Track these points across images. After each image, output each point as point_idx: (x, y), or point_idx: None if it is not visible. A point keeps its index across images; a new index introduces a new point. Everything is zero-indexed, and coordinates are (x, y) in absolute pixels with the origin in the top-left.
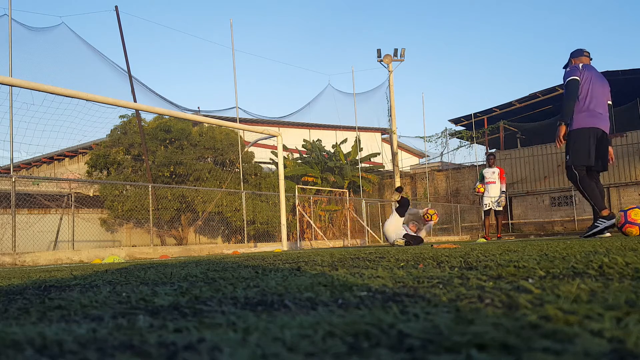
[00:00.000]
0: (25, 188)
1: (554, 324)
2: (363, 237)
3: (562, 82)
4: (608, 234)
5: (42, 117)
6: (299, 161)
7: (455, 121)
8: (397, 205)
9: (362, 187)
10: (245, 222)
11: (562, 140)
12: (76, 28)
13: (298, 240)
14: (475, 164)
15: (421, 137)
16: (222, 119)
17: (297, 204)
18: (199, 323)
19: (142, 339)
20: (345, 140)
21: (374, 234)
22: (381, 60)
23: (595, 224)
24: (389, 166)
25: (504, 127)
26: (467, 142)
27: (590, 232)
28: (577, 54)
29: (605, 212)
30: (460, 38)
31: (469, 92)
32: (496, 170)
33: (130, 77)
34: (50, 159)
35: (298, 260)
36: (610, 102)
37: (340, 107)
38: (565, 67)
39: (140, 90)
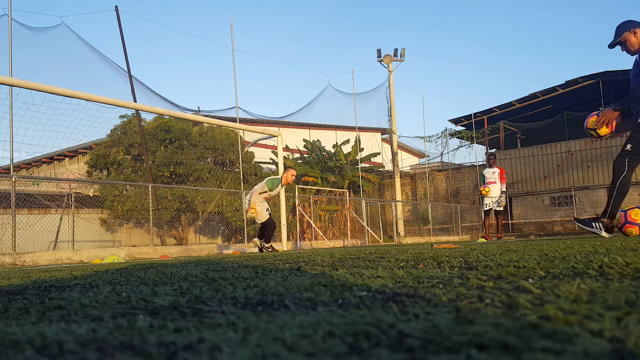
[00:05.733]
0: (25, 188)
1: (554, 324)
2: (363, 237)
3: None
4: (605, 235)
5: (42, 117)
6: (299, 161)
7: (455, 121)
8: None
9: (362, 187)
10: (245, 222)
11: (611, 126)
12: (76, 28)
13: (298, 240)
14: (475, 164)
15: (421, 137)
16: (222, 119)
17: (297, 204)
18: (199, 323)
19: (142, 339)
20: (347, 141)
21: (374, 234)
22: (381, 60)
23: (594, 224)
24: (389, 166)
25: (504, 127)
26: (467, 142)
27: (584, 227)
28: (633, 24)
29: (609, 222)
30: (460, 38)
31: (469, 92)
32: (496, 170)
33: (130, 77)
34: (50, 159)
35: (298, 260)
36: None
37: (340, 107)
38: (615, 46)
39: (140, 90)
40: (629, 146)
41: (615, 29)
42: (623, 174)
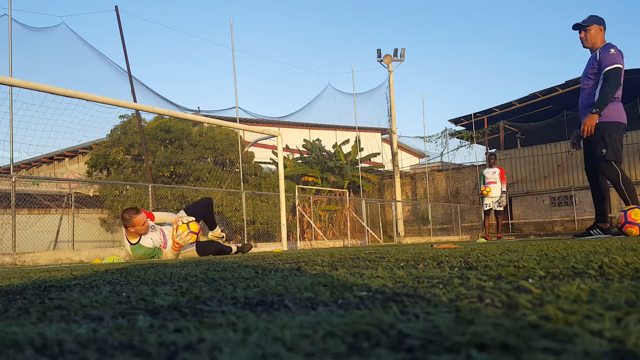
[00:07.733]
0: (25, 188)
1: (554, 324)
2: (363, 237)
3: (597, 61)
4: (604, 236)
5: (42, 117)
6: (299, 161)
7: (455, 121)
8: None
9: (362, 187)
10: (245, 222)
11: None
12: (76, 28)
13: (298, 240)
14: (475, 164)
15: (421, 137)
16: (222, 119)
17: (297, 204)
18: (199, 323)
19: (142, 339)
20: (347, 141)
21: (374, 234)
22: (381, 60)
23: (592, 232)
24: (389, 166)
25: (504, 127)
26: (467, 142)
27: (583, 238)
28: (604, 23)
29: (605, 226)
30: (460, 38)
31: (469, 92)
32: (497, 170)
33: (130, 77)
34: (50, 159)
35: (298, 260)
36: None
37: (340, 107)
38: (578, 28)
39: (140, 90)
40: (604, 151)
41: (588, 15)
42: (620, 174)
